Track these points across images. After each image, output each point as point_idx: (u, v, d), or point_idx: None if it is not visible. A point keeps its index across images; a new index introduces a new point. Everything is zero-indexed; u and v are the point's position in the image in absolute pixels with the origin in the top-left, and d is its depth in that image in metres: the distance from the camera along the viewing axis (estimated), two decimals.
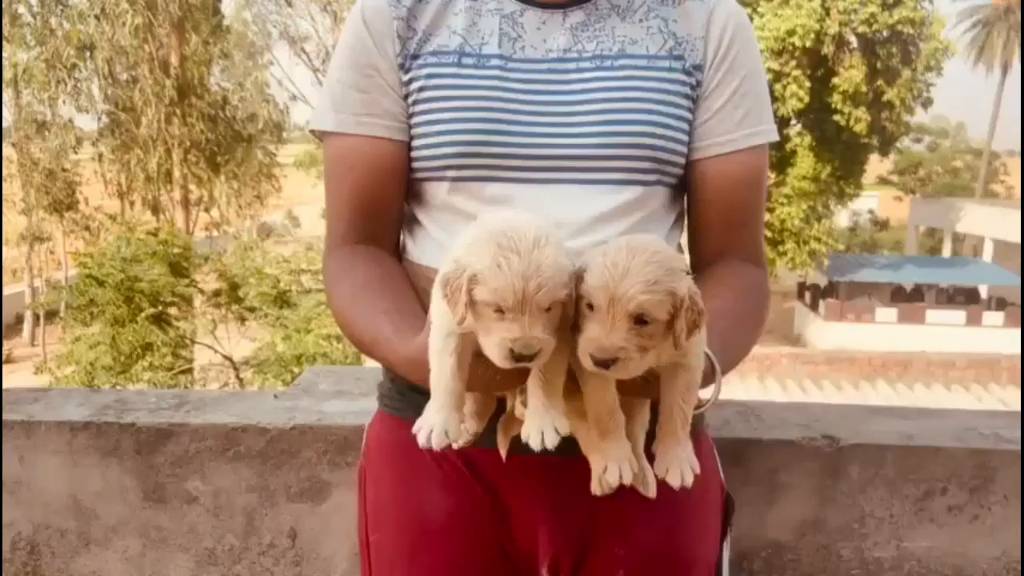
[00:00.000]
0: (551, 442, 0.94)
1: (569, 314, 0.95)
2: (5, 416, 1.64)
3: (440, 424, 0.98)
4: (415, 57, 1.21)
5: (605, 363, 0.91)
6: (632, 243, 0.95)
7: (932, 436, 1.59)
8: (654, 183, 1.18)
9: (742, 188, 1.24)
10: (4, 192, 22.94)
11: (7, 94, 21.42)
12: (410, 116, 1.22)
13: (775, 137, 1.27)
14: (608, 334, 0.91)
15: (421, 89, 1.20)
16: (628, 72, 1.19)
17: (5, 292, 25.63)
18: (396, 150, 1.22)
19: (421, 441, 0.97)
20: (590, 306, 0.93)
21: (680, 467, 1.00)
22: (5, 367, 21.78)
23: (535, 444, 0.95)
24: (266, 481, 1.63)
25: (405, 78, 1.21)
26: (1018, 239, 24.90)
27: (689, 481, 1.00)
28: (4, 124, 23.58)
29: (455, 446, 1.00)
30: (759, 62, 1.27)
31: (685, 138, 1.20)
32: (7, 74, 20.49)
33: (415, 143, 1.22)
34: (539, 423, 0.96)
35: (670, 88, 1.20)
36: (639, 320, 0.91)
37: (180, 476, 1.63)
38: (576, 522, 1.20)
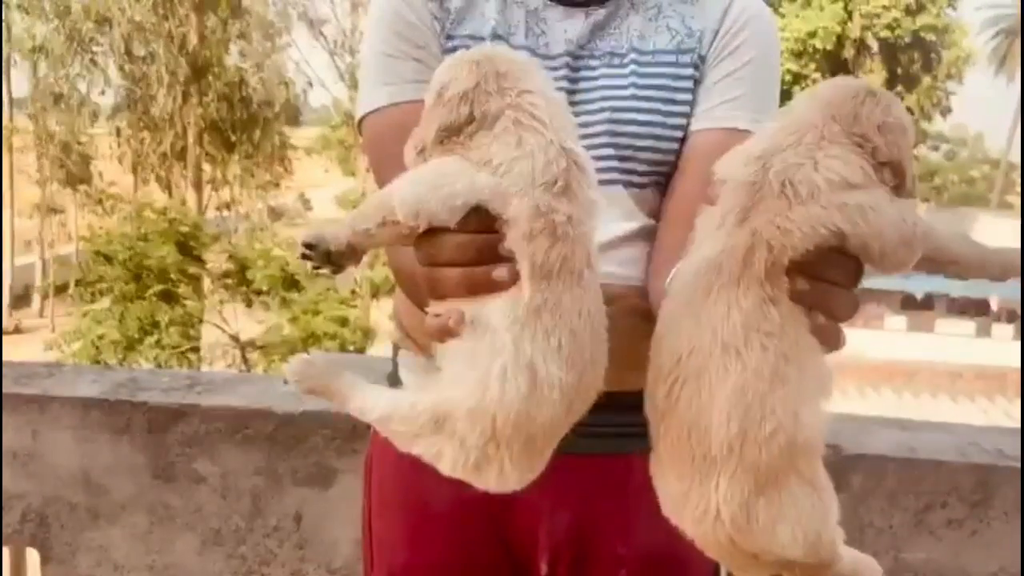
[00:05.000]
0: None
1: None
2: (20, 390, 1.67)
3: (330, 232, 0.81)
4: (449, 38, 1.21)
5: None
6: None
7: (934, 449, 1.60)
8: (649, 185, 1.17)
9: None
10: (20, 163, 23.09)
11: (25, 66, 21.52)
12: None
13: None
14: None
15: None
16: (633, 68, 1.18)
17: (17, 262, 25.82)
18: None
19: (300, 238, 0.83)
20: None
21: None
22: (14, 338, 21.95)
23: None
24: (273, 465, 1.65)
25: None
26: None
27: None
28: (21, 95, 23.74)
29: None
30: (771, 57, 1.23)
31: (681, 135, 1.17)
32: (26, 45, 20.56)
33: None
34: None
35: (672, 84, 1.18)
36: None
37: (189, 456, 1.66)
38: (577, 519, 1.21)
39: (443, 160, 0.81)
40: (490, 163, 0.80)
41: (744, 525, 0.83)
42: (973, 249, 0.82)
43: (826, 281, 0.81)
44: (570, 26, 1.20)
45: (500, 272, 0.79)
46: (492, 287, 0.79)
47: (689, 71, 1.20)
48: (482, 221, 0.79)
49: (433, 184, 0.79)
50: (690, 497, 0.84)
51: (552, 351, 0.78)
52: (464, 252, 0.80)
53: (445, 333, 0.81)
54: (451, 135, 0.82)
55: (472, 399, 0.79)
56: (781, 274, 0.79)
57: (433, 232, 0.80)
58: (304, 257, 0.80)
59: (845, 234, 0.79)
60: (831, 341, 0.83)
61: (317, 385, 0.85)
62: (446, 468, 0.84)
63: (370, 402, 0.85)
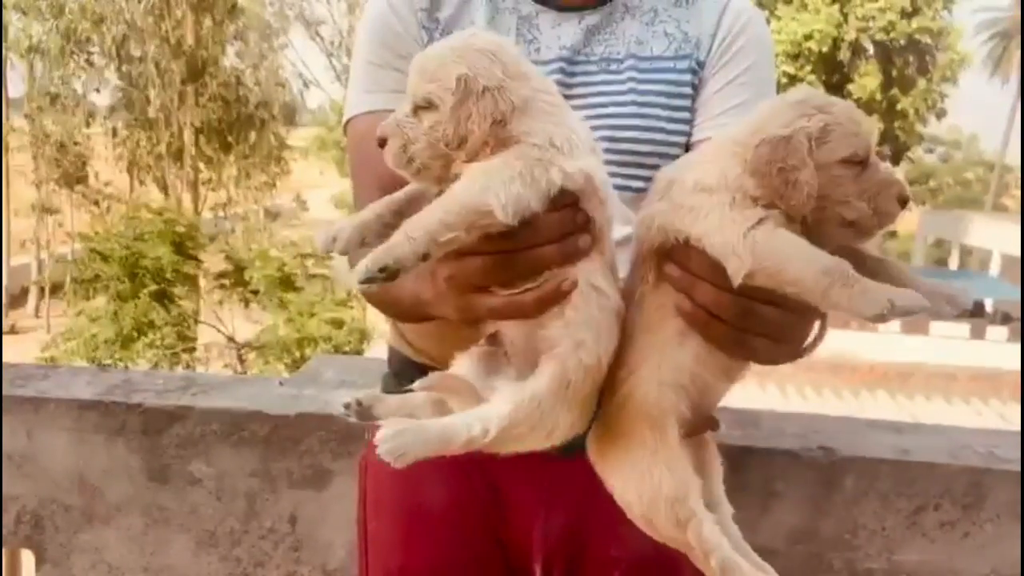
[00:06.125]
0: (356, 277, 0.82)
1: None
2: (15, 391, 1.67)
3: (335, 227, 0.90)
4: None
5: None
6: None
7: (927, 452, 1.61)
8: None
9: None
10: (15, 163, 23.02)
11: (22, 66, 21.46)
12: None
13: None
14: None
15: None
16: (631, 74, 1.19)
17: (13, 263, 25.73)
18: None
19: (316, 244, 0.89)
20: None
21: None
22: (10, 338, 21.87)
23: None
24: (268, 467, 1.65)
25: None
26: None
27: None
28: (17, 95, 23.65)
29: (336, 252, 0.90)
30: (767, 61, 1.25)
31: (683, 140, 1.19)
32: (23, 45, 20.50)
33: None
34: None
35: (671, 90, 1.19)
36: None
37: (184, 458, 1.66)
38: (571, 521, 1.22)
39: (514, 154, 0.84)
40: (553, 144, 0.85)
41: (599, 458, 0.96)
42: (823, 279, 0.79)
43: (690, 272, 0.88)
44: (563, 32, 1.21)
45: (586, 239, 0.87)
46: (579, 255, 0.87)
47: (688, 77, 1.20)
48: (561, 199, 0.85)
49: (527, 180, 0.82)
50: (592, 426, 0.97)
51: (617, 297, 0.91)
52: (559, 229, 0.86)
53: (552, 301, 0.87)
54: (503, 125, 0.85)
55: (593, 355, 0.87)
56: (651, 256, 0.91)
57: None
58: (369, 281, 0.80)
59: (679, 231, 0.87)
60: (701, 328, 0.88)
61: (418, 453, 0.83)
62: (559, 438, 0.90)
63: (479, 427, 0.85)
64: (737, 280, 0.82)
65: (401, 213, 0.92)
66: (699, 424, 0.97)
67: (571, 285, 0.87)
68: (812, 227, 0.84)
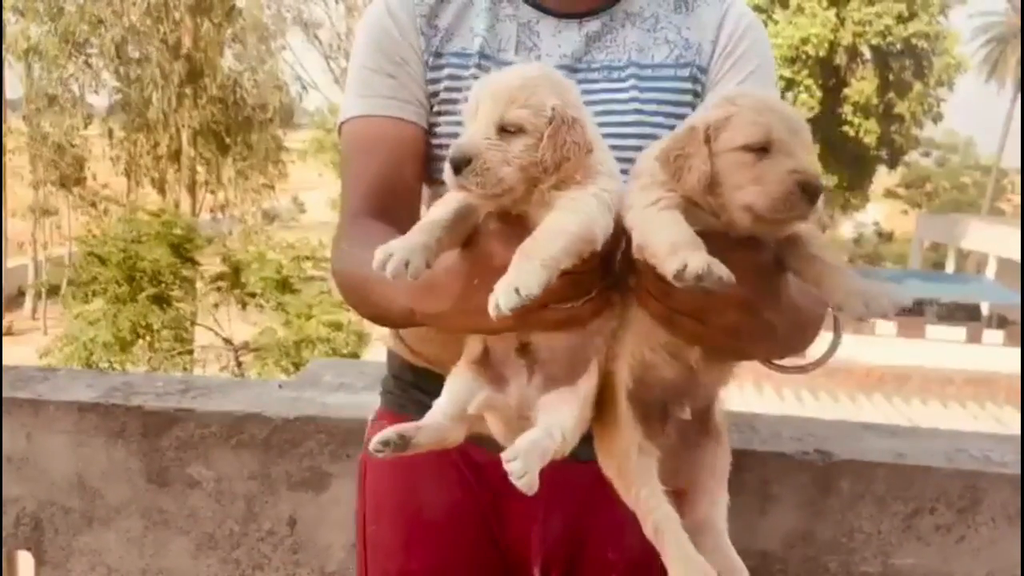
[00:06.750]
0: (505, 304, 0.83)
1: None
2: (15, 394, 1.67)
3: (402, 250, 0.88)
4: (438, 55, 1.22)
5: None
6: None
7: (923, 455, 1.62)
8: None
9: None
10: (13, 165, 22.97)
11: (20, 67, 21.42)
12: (432, 114, 1.24)
13: None
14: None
15: (447, 89, 1.22)
16: (633, 82, 1.20)
17: (9, 264, 25.68)
18: (419, 135, 1.23)
19: (375, 265, 0.88)
20: None
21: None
22: (6, 340, 21.80)
23: (491, 307, 0.84)
24: (268, 469, 1.66)
25: (429, 76, 1.23)
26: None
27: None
28: (15, 96, 23.60)
29: (409, 277, 0.89)
30: (770, 63, 1.27)
31: None
32: (21, 46, 20.46)
33: (435, 141, 1.24)
34: (505, 282, 0.83)
35: (672, 98, 1.21)
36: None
37: (184, 461, 1.66)
38: (569, 525, 1.23)
39: (602, 185, 0.91)
40: (614, 173, 0.95)
41: (597, 428, 1.01)
42: (666, 250, 0.84)
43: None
44: (564, 39, 1.22)
45: (614, 256, 0.96)
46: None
47: (689, 84, 1.21)
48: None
49: (611, 209, 0.91)
50: None
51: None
52: (610, 248, 0.93)
53: (602, 311, 0.96)
54: (591, 153, 0.92)
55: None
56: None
57: None
58: (513, 309, 0.84)
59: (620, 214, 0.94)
60: (642, 303, 0.95)
61: (536, 474, 0.88)
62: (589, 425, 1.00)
63: (558, 437, 0.94)
64: (636, 254, 0.89)
65: (452, 230, 0.94)
66: (657, 403, 1.00)
67: (617, 296, 0.96)
68: (719, 212, 0.88)
